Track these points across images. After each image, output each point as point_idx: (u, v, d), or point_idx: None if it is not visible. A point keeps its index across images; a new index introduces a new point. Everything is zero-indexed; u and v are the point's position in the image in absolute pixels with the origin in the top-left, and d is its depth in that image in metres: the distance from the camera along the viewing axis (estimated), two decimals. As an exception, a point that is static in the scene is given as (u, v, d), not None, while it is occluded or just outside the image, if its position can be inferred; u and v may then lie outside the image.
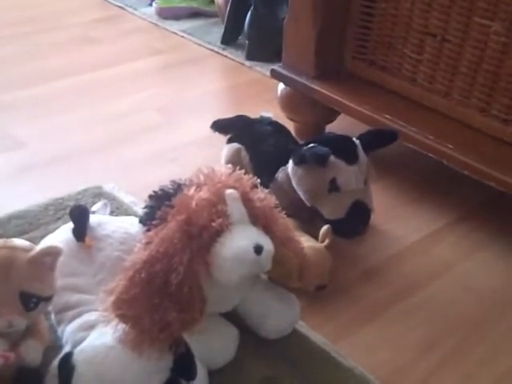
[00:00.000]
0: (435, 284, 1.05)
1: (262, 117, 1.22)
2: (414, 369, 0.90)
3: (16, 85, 1.66)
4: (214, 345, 0.84)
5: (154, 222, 0.79)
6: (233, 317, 0.89)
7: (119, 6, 2.21)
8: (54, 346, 0.82)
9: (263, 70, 1.74)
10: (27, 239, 0.82)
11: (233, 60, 1.85)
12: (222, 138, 1.22)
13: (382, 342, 0.94)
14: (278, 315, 0.89)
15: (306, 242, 0.97)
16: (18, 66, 1.77)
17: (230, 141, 1.19)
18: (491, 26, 1.09)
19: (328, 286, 1.00)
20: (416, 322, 0.98)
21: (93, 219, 0.92)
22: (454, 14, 1.14)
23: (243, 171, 0.85)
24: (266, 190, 0.86)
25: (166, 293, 0.74)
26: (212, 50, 1.91)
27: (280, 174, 1.09)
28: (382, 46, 1.28)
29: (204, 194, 0.78)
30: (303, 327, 0.93)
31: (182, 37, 1.99)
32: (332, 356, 0.89)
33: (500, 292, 1.04)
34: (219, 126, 1.22)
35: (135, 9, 2.18)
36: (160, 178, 0.89)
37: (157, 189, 0.85)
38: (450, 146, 1.13)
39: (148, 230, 0.80)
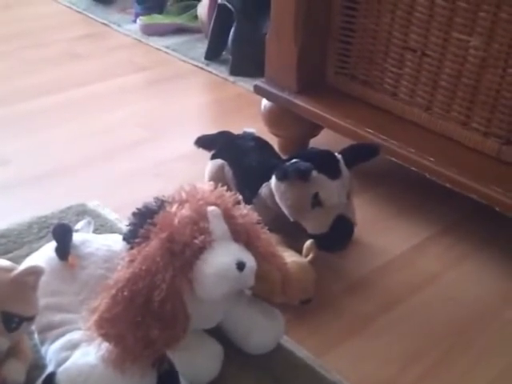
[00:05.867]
0: (420, 296, 1.06)
1: (245, 132, 1.22)
2: (399, 381, 0.90)
3: (0, 101, 1.65)
4: (198, 361, 0.83)
5: (136, 240, 0.79)
6: (217, 333, 0.89)
7: (103, 23, 2.21)
8: (38, 365, 0.82)
9: (247, 85, 1.75)
10: (11, 258, 0.82)
11: (217, 75, 1.86)
12: (206, 154, 1.22)
13: (367, 354, 0.94)
14: (263, 330, 0.89)
15: (289, 257, 0.98)
16: (1, 82, 1.77)
17: (213, 157, 1.20)
18: (469, 40, 1.11)
19: (312, 300, 1.00)
20: (401, 333, 0.98)
21: (76, 237, 0.91)
22: (433, 29, 1.15)
23: (225, 188, 0.85)
24: (249, 206, 0.87)
25: (149, 310, 0.74)
26: (196, 65, 1.91)
27: (263, 190, 1.10)
28: (363, 61, 1.30)
29: (186, 211, 0.78)
30: (288, 342, 0.93)
31: (166, 53, 2.00)
32: (317, 371, 0.89)
33: (484, 303, 1.05)
34: (203, 143, 1.23)
35: (119, 25, 2.19)
36: (144, 195, 0.88)
37: (141, 206, 0.85)
38: (432, 159, 1.14)
39: (131, 248, 0.80)
